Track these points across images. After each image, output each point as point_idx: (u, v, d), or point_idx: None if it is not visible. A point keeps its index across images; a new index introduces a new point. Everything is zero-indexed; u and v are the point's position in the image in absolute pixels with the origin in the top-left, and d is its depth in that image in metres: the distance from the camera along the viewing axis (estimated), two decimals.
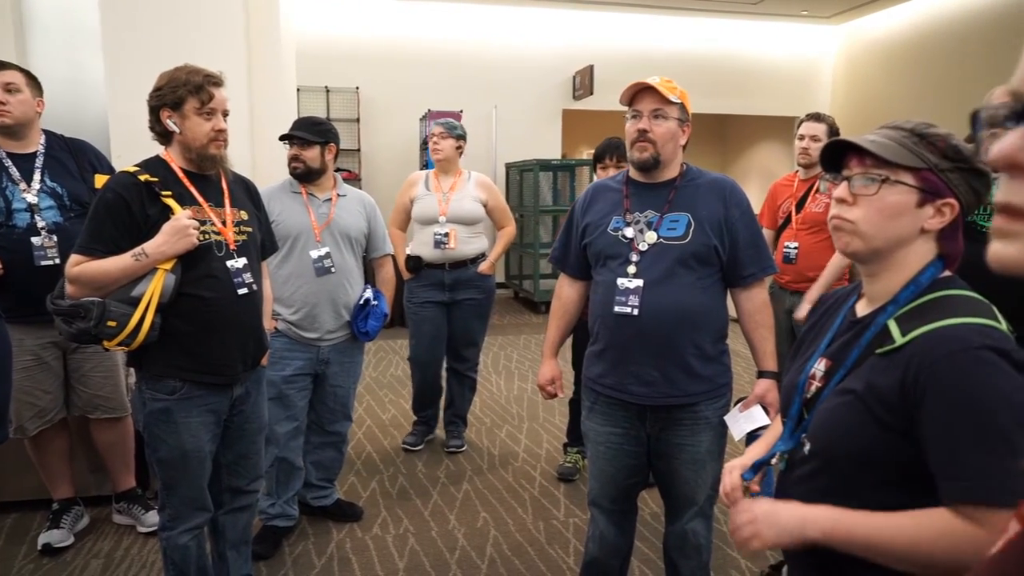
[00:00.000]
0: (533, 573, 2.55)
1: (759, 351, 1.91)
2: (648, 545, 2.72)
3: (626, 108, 1.87)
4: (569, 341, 3.37)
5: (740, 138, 11.83)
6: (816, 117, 3.14)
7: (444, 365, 3.68)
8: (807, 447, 1.06)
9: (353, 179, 8.01)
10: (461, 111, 7.43)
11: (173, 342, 1.86)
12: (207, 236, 1.89)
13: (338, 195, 2.75)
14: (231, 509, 2.14)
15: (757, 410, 1.85)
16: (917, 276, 1.02)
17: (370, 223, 2.83)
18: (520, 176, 8.34)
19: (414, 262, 3.41)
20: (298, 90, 7.89)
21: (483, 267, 3.50)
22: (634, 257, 1.81)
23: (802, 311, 3.00)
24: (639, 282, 1.79)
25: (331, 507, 2.91)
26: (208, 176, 1.97)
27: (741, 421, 1.85)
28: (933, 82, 8.13)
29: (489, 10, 8.67)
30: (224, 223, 1.96)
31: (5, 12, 3.09)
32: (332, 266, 2.63)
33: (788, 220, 3.24)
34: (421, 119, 7.78)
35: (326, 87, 8.27)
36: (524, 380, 5.06)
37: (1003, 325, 0.94)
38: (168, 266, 1.82)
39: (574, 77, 8.91)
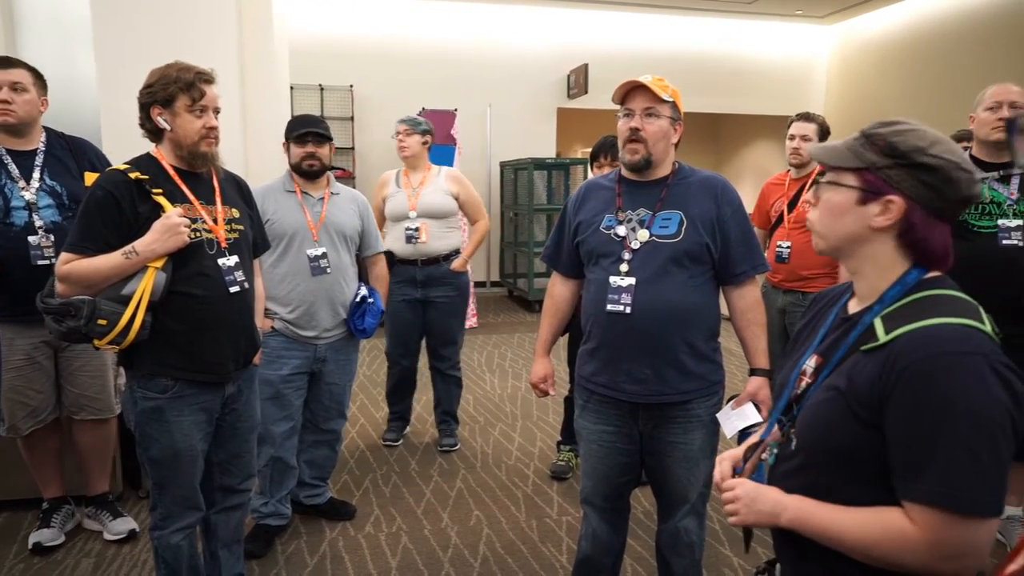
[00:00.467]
0: (526, 571, 2.55)
1: (751, 349, 1.92)
2: (640, 543, 2.72)
3: (613, 101, 1.87)
4: (564, 340, 3.38)
5: (734, 137, 11.85)
6: (806, 117, 3.14)
7: (421, 361, 3.67)
8: (794, 442, 1.08)
9: (347, 177, 8.00)
10: (455, 109, 7.43)
11: (164, 340, 1.85)
12: (198, 234, 1.88)
13: (331, 193, 2.74)
14: (223, 508, 2.13)
15: (749, 408, 1.85)
16: (903, 276, 1.03)
17: (363, 221, 2.83)
18: (515, 175, 8.34)
19: (387, 258, 3.42)
20: (292, 88, 7.87)
21: (456, 264, 3.50)
22: (626, 255, 1.81)
23: None
24: (631, 280, 1.79)
25: (324, 506, 2.90)
26: (199, 174, 1.95)
27: (733, 419, 1.85)
28: (927, 82, 8.16)
29: (484, 8, 8.66)
30: (215, 221, 1.95)
31: None
32: (328, 266, 2.63)
33: (780, 219, 3.25)
34: None
35: (320, 85, 8.25)
36: (518, 379, 5.06)
37: (987, 327, 0.94)
38: (159, 264, 1.81)
39: (569, 76, 8.91)
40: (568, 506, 3.05)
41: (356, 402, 4.41)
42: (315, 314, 2.62)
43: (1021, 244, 2.42)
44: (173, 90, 1.85)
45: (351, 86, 8.35)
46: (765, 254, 3.36)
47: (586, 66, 8.41)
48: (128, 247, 1.79)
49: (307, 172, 2.65)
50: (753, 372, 1.90)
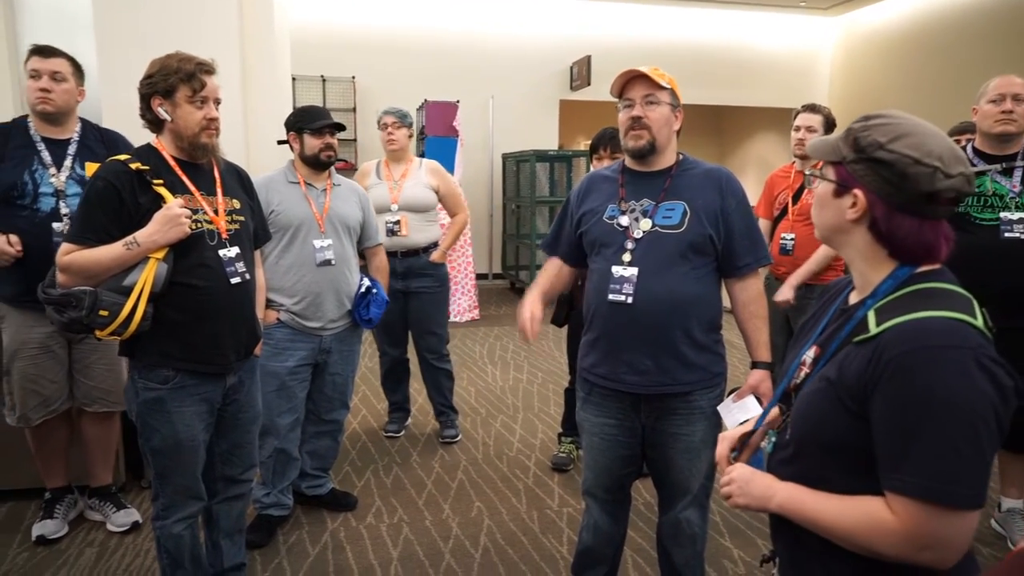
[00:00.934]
0: (527, 562, 2.56)
1: (752, 342, 1.91)
2: (641, 534, 2.73)
3: (612, 94, 1.87)
4: (563, 332, 3.39)
5: (737, 129, 11.81)
6: (812, 108, 3.13)
7: (410, 351, 3.68)
8: (789, 432, 1.09)
9: (349, 169, 7.99)
10: (458, 101, 7.41)
11: (166, 331, 1.86)
12: (199, 225, 1.88)
13: (333, 184, 2.74)
14: (225, 498, 2.14)
15: (751, 400, 1.85)
16: (895, 269, 1.03)
17: (364, 212, 2.83)
18: (517, 166, 8.32)
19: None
20: (294, 79, 7.86)
21: (435, 256, 3.50)
22: (629, 245, 1.80)
23: (781, 295, 3.02)
24: (634, 270, 1.78)
25: (326, 496, 2.91)
26: (200, 165, 1.95)
27: (735, 411, 1.85)
28: (930, 74, 8.12)
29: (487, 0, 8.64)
30: (216, 212, 1.94)
31: None
32: (332, 258, 2.63)
33: (784, 211, 3.24)
34: (418, 109, 7.75)
35: (322, 76, 8.23)
36: (520, 370, 5.06)
37: (979, 321, 0.94)
38: (160, 255, 1.81)
39: (571, 68, 8.88)
40: (569, 498, 3.06)
41: (358, 393, 4.42)
42: (321, 305, 2.63)
43: (1023, 237, 2.41)
44: (174, 81, 1.84)
45: (353, 77, 8.33)
46: (769, 246, 3.38)
47: (589, 58, 8.38)
48: (129, 238, 1.79)
49: (325, 163, 2.66)
50: (755, 365, 1.90)
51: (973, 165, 2.52)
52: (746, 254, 1.85)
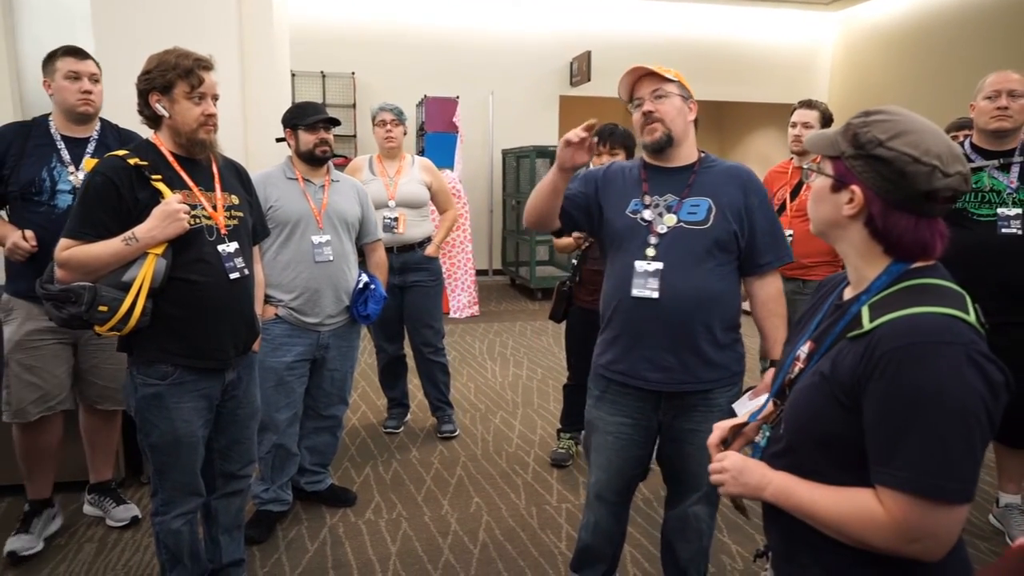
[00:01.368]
0: (525, 558, 2.57)
1: (770, 340, 1.90)
2: (639, 530, 2.74)
3: (621, 97, 1.86)
4: (562, 327, 3.39)
5: (738, 125, 11.80)
6: (809, 104, 3.13)
7: (406, 346, 3.70)
8: (782, 426, 1.10)
9: (347, 164, 7.98)
10: (457, 97, 7.40)
11: (164, 327, 1.86)
12: (198, 220, 1.88)
13: (331, 180, 2.74)
14: (224, 494, 2.14)
15: (766, 399, 1.85)
16: (889, 265, 1.04)
17: (363, 208, 2.83)
18: (517, 162, 8.31)
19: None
20: (294, 75, 7.85)
21: (429, 250, 3.53)
22: (652, 240, 1.78)
23: None
24: (658, 265, 1.76)
25: (325, 492, 2.92)
26: (198, 160, 1.95)
27: (751, 408, 1.85)
28: (931, 69, 8.10)
29: None
30: (215, 207, 1.95)
31: None
32: (331, 254, 2.64)
33: (783, 207, 3.24)
34: (418, 105, 7.74)
35: (322, 72, 8.22)
36: (519, 366, 5.07)
37: (971, 317, 0.95)
38: (159, 251, 1.81)
39: (571, 63, 8.87)
40: (568, 493, 3.07)
41: (357, 389, 4.43)
42: (318, 301, 2.63)
43: (1020, 232, 2.41)
44: (171, 77, 1.84)
45: (353, 73, 8.32)
46: (788, 244, 3.37)
47: (589, 53, 8.36)
48: (128, 233, 1.79)
49: (320, 159, 2.66)
50: (772, 364, 1.90)
51: (971, 161, 2.52)
52: (768, 252, 1.84)
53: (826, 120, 3.14)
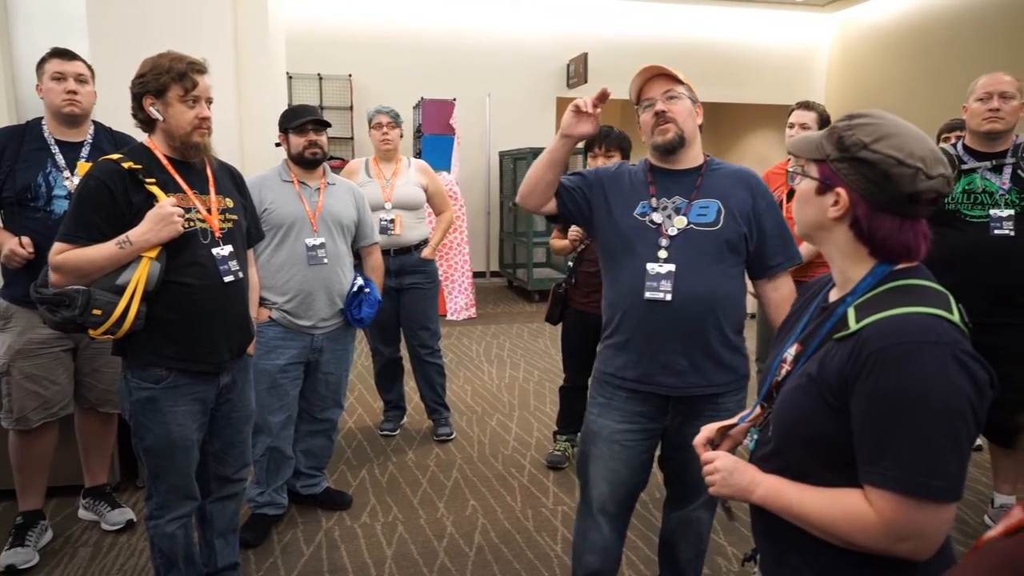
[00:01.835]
0: (520, 561, 2.57)
1: None
2: (634, 531, 2.74)
3: (625, 99, 1.86)
4: (558, 329, 3.39)
5: (735, 126, 11.81)
6: (806, 105, 3.13)
7: (403, 348, 3.69)
8: (771, 428, 1.10)
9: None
10: (454, 99, 7.40)
11: (159, 330, 1.86)
12: (192, 224, 1.88)
13: (327, 183, 2.74)
14: (219, 498, 2.14)
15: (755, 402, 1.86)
16: (874, 267, 1.04)
17: (359, 211, 2.83)
18: (514, 164, 8.32)
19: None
20: (291, 78, 7.86)
21: (426, 252, 3.53)
22: (663, 242, 1.77)
23: None
24: (671, 267, 1.74)
25: (320, 495, 2.92)
26: (192, 164, 1.95)
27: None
28: (928, 70, 8.12)
29: None
30: (209, 211, 1.95)
31: None
32: (325, 256, 2.63)
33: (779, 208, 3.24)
34: (415, 107, 7.74)
35: (319, 74, 8.22)
36: (516, 369, 5.07)
37: (955, 316, 0.96)
38: (153, 254, 1.81)
39: (568, 65, 8.88)
40: (564, 496, 3.07)
41: (354, 392, 4.43)
42: (312, 303, 2.63)
43: (1013, 234, 2.42)
44: (165, 80, 1.84)
45: (350, 75, 8.32)
46: (796, 245, 3.37)
47: (585, 55, 8.37)
48: (122, 237, 1.79)
49: (310, 161, 2.65)
50: None
51: (963, 162, 2.53)
52: (778, 253, 1.83)
53: (823, 121, 3.14)
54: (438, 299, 3.73)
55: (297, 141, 2.63)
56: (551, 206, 1.87)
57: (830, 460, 1.00)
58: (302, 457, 2.85)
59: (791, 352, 1.13)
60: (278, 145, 2.76)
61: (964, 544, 2.57)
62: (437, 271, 3.69)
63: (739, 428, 1.24)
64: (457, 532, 2.76)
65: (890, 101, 8.46)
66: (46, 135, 2.48)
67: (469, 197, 8.10)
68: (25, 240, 2.38)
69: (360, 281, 2.77)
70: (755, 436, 1.16)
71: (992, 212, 2.45)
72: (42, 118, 2.51)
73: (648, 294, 1.74)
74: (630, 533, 2.70)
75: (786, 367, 1.12)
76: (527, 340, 5.92)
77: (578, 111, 1.70)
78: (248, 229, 2.13)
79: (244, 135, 3.61)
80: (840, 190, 1.03)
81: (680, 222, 1.77)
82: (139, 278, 1.79)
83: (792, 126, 3.16)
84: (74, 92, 2.43)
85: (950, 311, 0.96)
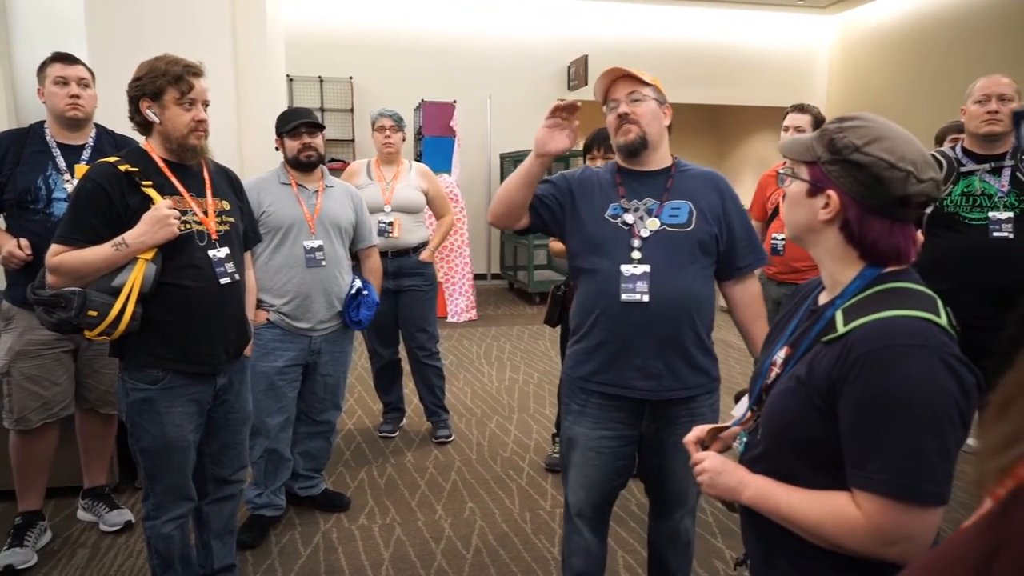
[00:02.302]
0: (518, 563, 2.56)
1: (759, 342, 1.86)
2: (634, 535, 2.73)
3: (596, 98, 1.85)
4: (557, 332, 3.39)
5: (736, 129, 11.81)
6: (801, 108, 3.13)
7: (401, 350, 3.69)
8: (760, 431, 1.10)
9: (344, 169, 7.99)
10: (455, 101, 7.41)
11: (155, 332, 1.86)
12: (188, 226, 1.89)
13: (325, 186, 2.74)
14: (215, 499, 2.15)
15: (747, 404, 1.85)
16: (863, 270, 1.05)
17: (357, 214, 2.84)
18: (515, 166, 8.29)
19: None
20: (292, 80, 7.88)
21: (424, 255, 3.54)
22: (635, 243, 1.76)
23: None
24: (645, 267, 1.73)
25: (318, 497, 2.92)
26: (189, 166, 1.96)
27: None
28: (929, 72, 8.11)
29: None
30: (205, 213, 1.95)
31: None
32: (323, 259, 2.64)
33: (776, 211, 3.24)
34: (415, 109, 7.75)
35: (319, 77, 8.24)
36: (516, 371, 5.07)
37: (943, 319, 0.96)
38: (149, 256, 1.82)
39: (569, 67, 8.88)
40: (562, 498, 3.05)
41: (354, 394, 4.43)
42: (310, 306, 2.63)
43: (1011, 236, 2.42)
44: (161, 83, 1.85)
45: (351, 78, 8.34)
46: (763, 246, 3.38)
47: (586, 57, 8.38)
48: (118, 239, 1.80)
49: (305, 164, 2.66)
50: None
51: (962, 165, 2.53)
52: (747, 255, 1.85)
53: (818, 124, 3.14)
54: (436, 302, 3.73)
55: (292, 144, 2.64)
56: (524, 221, 1.86)
57: (818, 462, 1.00)
58: (300, 459, 2.85)
59: (781, 355, 1.13)
60: (277, 149, 2.77)
61: None
62: (435, 274, 3.70)
63: (730, 431, 1.24)
64: (455, 534, 2.75)
65: (891, 103, 8.46)
66: (48, 138, 2.49)
67: (470, 199, 8.10)
68: (24, 242, 2.39)
69: (358, 283, 2.78)
70: (744, 439, 1.16)
71: (991, 215, 2.44)
72: (44, 122, 2.53)
73: (624, 296, 1.73)
74: (627, 537, 2.71)
75: (775, 370, 1.12)
76: (527, 342, 5.92)
77: (551, 127, 1.69)
78: (245, 231, 2.13)
79: (243, 138, 3.62)
80: (831, 192, 1.03)
81: (653, 224, 1.77)
82: (135, 280, 1.80)
83: (787, 129, 3.16)
84: (77, 96, 2.46)
85: (938, 314, 0.96)
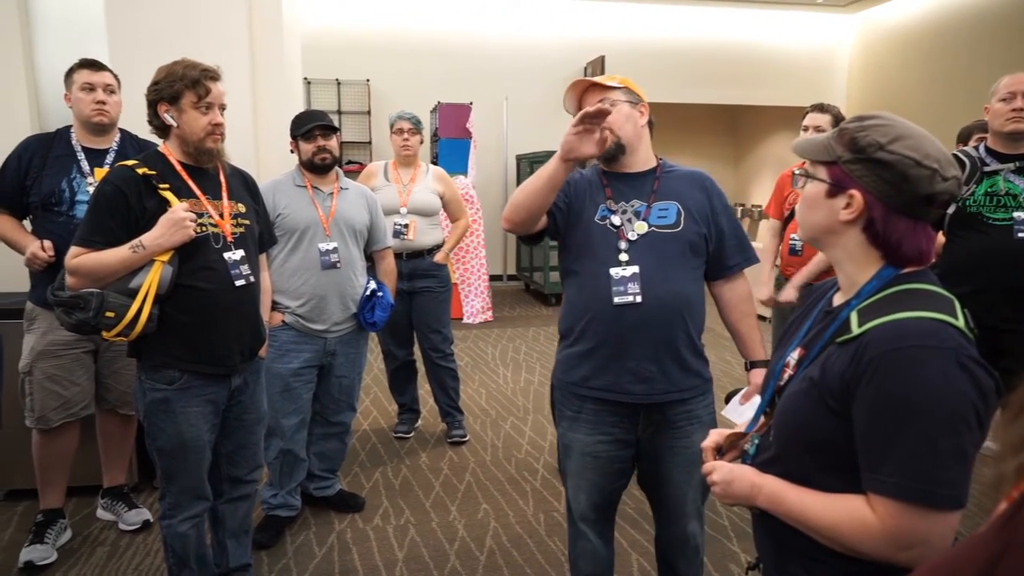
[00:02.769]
0: (531, 565, 2.56)
1: (749, 341, 1.88)
2: (647, 537, 2.72)
3: (568, 111, 1.82)
4: None
5: (754, 129, 11.70)
6: (821, 108, 3.09)
7: (416, 352, 3.71)
8: (772, 433, 1.09)
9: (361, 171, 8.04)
10: (471, 103, 7.42)
11: (171, 333, 1.89)
12: (204, 228, 1.91)
13: (340, 188, 2.76)
14: (231, 499, 2.16)
15: (759, 400, 1.83)
16: (880, 271, 1.03)
17: (372, 216, 2.85)
18: (531, 168, 8.31)
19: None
20: (309, 83, 7.94)
21: (438, 257, 3.55)
22: (623, 245, 1.75)
23: (785, 295, 3.00)
24: (635, 269, 1.72)
25: (333, 497, 2.94)
26: (206, 169, 1.98)
27: (745, 412, 1.82)
28: (949, 71, 7.99)
29: (500, 0, 8.64)
30: (221, 215, 1.97)
31: (11, 7, 3.11)
32: (338, 261, 2.65)
33: (794, 212, 3.20)
34: (432, 111, 7.78)
35: (337, 80, 8.29)
36: (531, 372, 5.06)
37: (960, 321, 0.94)
38: (165, 258, 1.84)
39: (585, 68, 8.86)
40: None
41: (369, 395, 4.45)
42: (325, 308, 2.65)
43: None
44: (179, 87, 1.87)
45: (368, 80, 8.39)
46: (780, 247, 3.34)
47: (603, 58, 8.36)
48: (135, 241, 1.82)
49: (320, 166, 2.67)
50: (753, 364, 1.87)
51: (986, 164, 2.48)
52: (736, 254, 1.84)
53: (838, 123, 3.10)
54: (450, 304, 3.74)
55: (306, 147, 2.66)
56: (542, 224, 1.81)
57: (832, 465, 0.99)
58: (315, 460, 2.87)
59: (794, 356, 1.11)
60: (292, 151, 2.79)
61: None
62: (450, 276, 3.71)
63: (746, 438, 1.22)
64: (469, 535, 2.75)
65: (912, 102, 8.34)
66: (73, 142, 2.55)
67: (486, 201, 8.11)
68: (47, 244, 2.43)
69: (373, 285, 2.79)
70: (756, 441, 1.14)
71: (1016, 215, 2.39)
72: (70, 126, 2.58)
73: (617, 299, 1.71)
74: (641, 539, 2.69)
75: (789, 371, 1.11)
76: (543, 344, 5.91)
77: (580, 133, 1.61)
78: (260, 234, 2.15)
79: (259, 141, 3.65)
80: (854, 192, 1.01)
81: (641, 227, 1.75)
82: (151, 282, 1.82)
83: (807, 129, 3.12)
84: (103, 102, 2.51)
85: (955, 316, 0.94)
